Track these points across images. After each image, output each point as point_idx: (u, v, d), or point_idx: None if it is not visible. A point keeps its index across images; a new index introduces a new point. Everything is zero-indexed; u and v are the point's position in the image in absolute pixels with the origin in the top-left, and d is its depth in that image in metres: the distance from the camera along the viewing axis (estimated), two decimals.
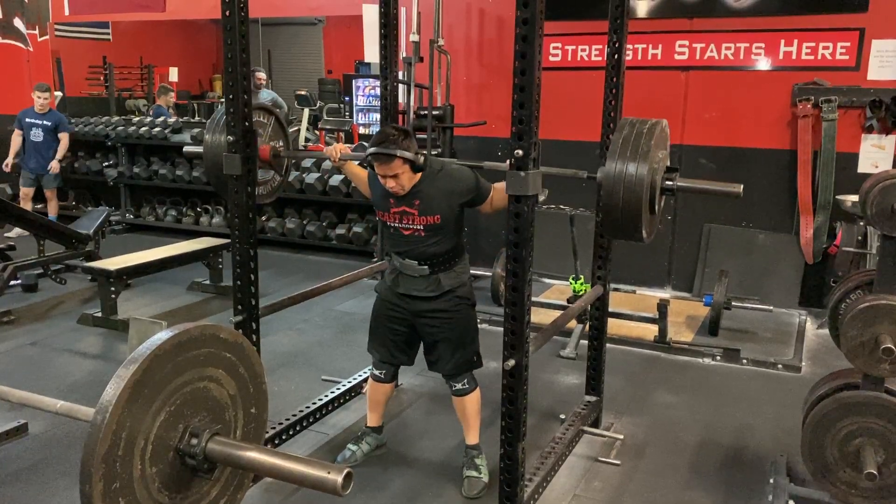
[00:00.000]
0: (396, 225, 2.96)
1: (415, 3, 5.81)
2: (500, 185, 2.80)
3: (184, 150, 3.80)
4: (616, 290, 5.60)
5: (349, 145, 3.11)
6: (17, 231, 7.17)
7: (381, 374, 3.21)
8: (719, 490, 3.11)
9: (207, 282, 5.89)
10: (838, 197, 5.09)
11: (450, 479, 3.14)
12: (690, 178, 5.98)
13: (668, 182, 2.70)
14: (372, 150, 2.79)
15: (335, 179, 7.00)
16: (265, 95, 9.27)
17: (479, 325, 3.18)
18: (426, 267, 2.98)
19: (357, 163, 3.26)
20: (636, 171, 2.53)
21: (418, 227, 2.92)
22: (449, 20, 6.20)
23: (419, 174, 2.86)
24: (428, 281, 2.99)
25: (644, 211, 2.58)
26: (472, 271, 3.18)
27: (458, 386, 3.06)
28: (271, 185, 3.40)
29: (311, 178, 7.11)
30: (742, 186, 2.76)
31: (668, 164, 2.75)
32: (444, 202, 2.89)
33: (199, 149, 3.33)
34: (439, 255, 2.98)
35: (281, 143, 3.42)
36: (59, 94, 9.67)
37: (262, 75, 9.38)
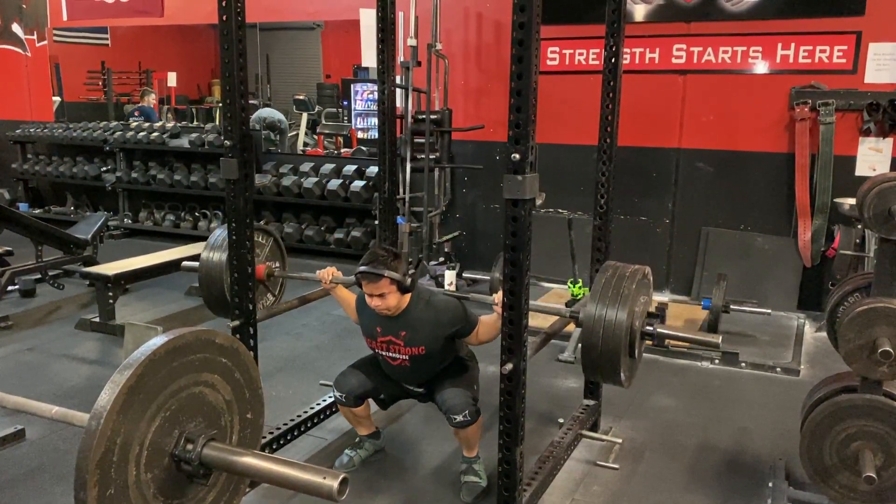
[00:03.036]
0: (384, 353, 3.04)
1: (412, 7, 5.82)
2: (487, 318, 2.93)
3: (182, 265, 3.86)
4: None
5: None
6: None
7: (341, 396, 3.14)
8: (718, 494, 3.11)
9: None
10: (836, 200, 5.10)
11: (448, 484, 3.13)
12: (689, 181, 6.03)
13: (648, 328, 2.77)
14: (361, 268, 2.85)
15: (333, 184, 7.00)
16: (263, 113, 9.26)
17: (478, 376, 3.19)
18: (422, 389, 3.11)
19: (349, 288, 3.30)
20: (616, 316, 2.60)
21: (404, 357, 2.98)
22: (446, 24, 6.21)
23: (407, 296, 2.91)
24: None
25: (623, 355, 2.63)
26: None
27: (458, 419, 2.91)
28: (264, 303, 3.42)
29: (309, 182, 7.11)
30: (721, 337, 2.82)
31: (651, 309, 2.82)
32: (430, 334, 2.93)
33: (197, 263, 3.36)
34: (431, 379, 3.07)
35: (277, 265, 3.48)
36: (57, 99, 9.69)
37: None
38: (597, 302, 2.64)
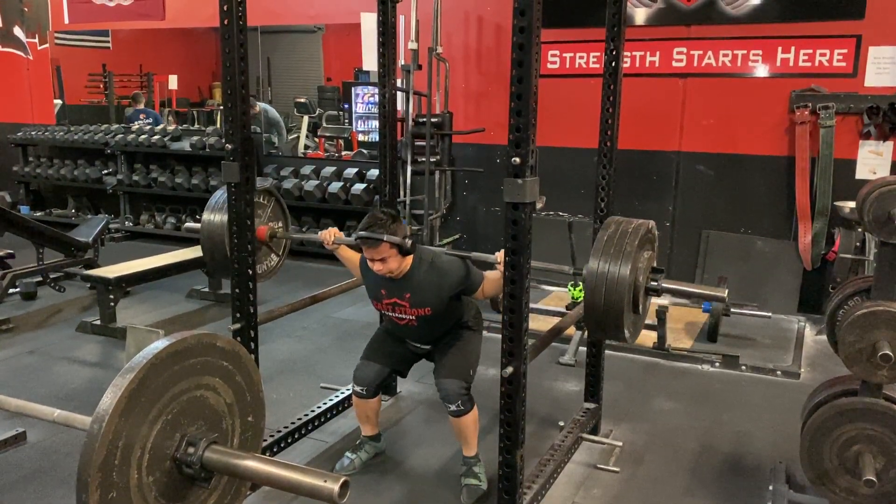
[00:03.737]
0: (390, 314, 3.06)
1: (413, 10, 5.83)
2: (491, 274, 2.93)
3: (184, 227, 3.86)
4: None
5: (341, 236, 3.22)
6: None
7: (362, 390, 3.17)
8: (718, 497, 3.11)
9: (206, 289, 5.89)
10: (836, 203, 5.10)
11: (448, 487, 3.13)
12: (688, 184, 6.04)
13: (653, 283, 2.72)
14: (360, 233, 2.85)
15: (334, 187, 7.01)
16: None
17: (479, 351, 3.19)
18: (428, 346, 3.13)
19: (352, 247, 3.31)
20: (619, 271, 2.55)
21: (411, 318, 3.00)
22: (447, 28, 6.22)
23: (409, 258, 2.92)
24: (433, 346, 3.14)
25: (626, 311, 2.60)
26: None
27: (453, 408, 2.98)
28: (268, 265, 3.42)
29: (309, 185, 7.12)
30: (727, 291, 2.77)
31: (655, 264, 2.77)
32: (434, 295, 2.94)
33: (199, 226, 3.35)
34: (439, 336, 3.09)
35: (280, 224, 3.45)
36: (58, 101, 9.71)
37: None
38: (599, 258, 2.59)
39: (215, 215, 3.25)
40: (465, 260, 3.01)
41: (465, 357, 3.07)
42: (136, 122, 9.18)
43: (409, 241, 2.85)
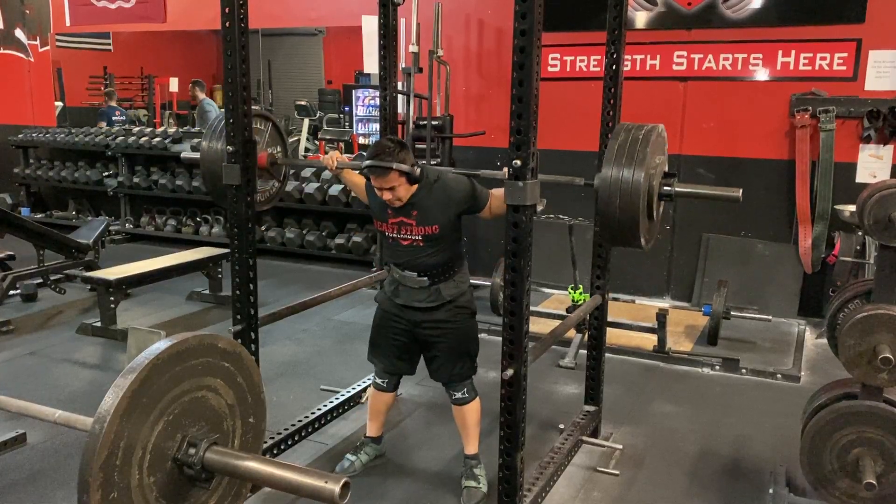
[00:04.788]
0: (395, 235, 2.97)
1: (414, 13, 5.84)
2: (498, 192, 2.80)
3: (181, 156, 3.76)
4: (615, 299, 5.61)
5: (348, 155, 3.15)
6: None
7: (383, 383, 3.20)
8: (719, 500, 3.11)
9: (207, 292, 5.89)
10: (836, 207, 5.11)
11: (449, 490, 3.13)
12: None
13: (665, 188, 2.67)
14: (368, 162, 2.80)
15: (335, 189, 7.01)
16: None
17: (478, 335, 3.18)
18: (425, 278, 2.98)
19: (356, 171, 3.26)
20: (632, 177, 2.49)
21: (417, 238, 2.92)
22: (448, 31, 6.23)
23: (416, 185, 2.87)
24: (428, 292, 3.00)
25: (642, 217, 2.55)
26: (471, 281, 3.19)
27: (458, 395, 3.05)
28: (269, 191, 3.40)
29: (310, 187, 7.12)
30: (741, 191, 2.67)
31: (666, 169, 2.72)
32: (442, 212, 2.89)
33: (197, 155, 3.31)
34: (438, 266, 2.98)
35: (279, 149, 3.41)
36: (59, 104, 9.73)
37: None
38: (612, 166, 2.53)
39: (214, 142, 3.14)
40: (471, 178, 2.98)
41: (468, 345, 3.06)
42: (112, 119, 9.38)
43: (417, 169, 2.81)
